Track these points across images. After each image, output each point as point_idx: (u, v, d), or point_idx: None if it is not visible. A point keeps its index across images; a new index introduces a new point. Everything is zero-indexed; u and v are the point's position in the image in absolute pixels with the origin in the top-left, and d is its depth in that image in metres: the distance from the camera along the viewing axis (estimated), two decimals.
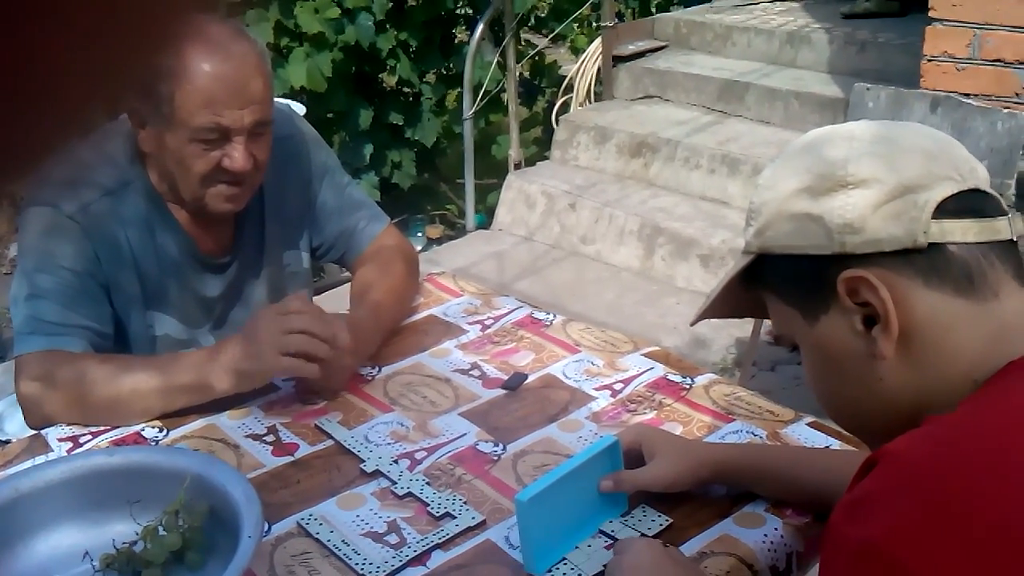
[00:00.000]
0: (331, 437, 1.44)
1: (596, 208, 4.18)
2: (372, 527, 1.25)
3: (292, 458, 1.40)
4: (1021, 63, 3.11)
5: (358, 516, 1.28)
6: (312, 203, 1.81)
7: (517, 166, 4.62)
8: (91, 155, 1.59)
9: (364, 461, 1.38)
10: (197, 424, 1.48)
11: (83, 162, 1.59)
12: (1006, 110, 2.69)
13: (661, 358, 1.65)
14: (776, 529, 1.24)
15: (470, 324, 1.77)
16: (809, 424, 1.45)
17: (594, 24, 6.23)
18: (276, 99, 1.65)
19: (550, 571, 1.17)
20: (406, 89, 5.26)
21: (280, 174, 1.73)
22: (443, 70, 5.37)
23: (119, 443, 1.44)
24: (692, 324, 1.16)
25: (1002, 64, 3.12)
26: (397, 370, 1.63)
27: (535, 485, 1.17)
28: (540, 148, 5.40)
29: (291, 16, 4.61)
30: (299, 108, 3.87)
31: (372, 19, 4.76)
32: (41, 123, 0.29)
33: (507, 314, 1.80)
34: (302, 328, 1.45)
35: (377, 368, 1.62)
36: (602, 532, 1.24)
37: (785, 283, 0.96)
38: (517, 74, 4.86)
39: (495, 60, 4.86)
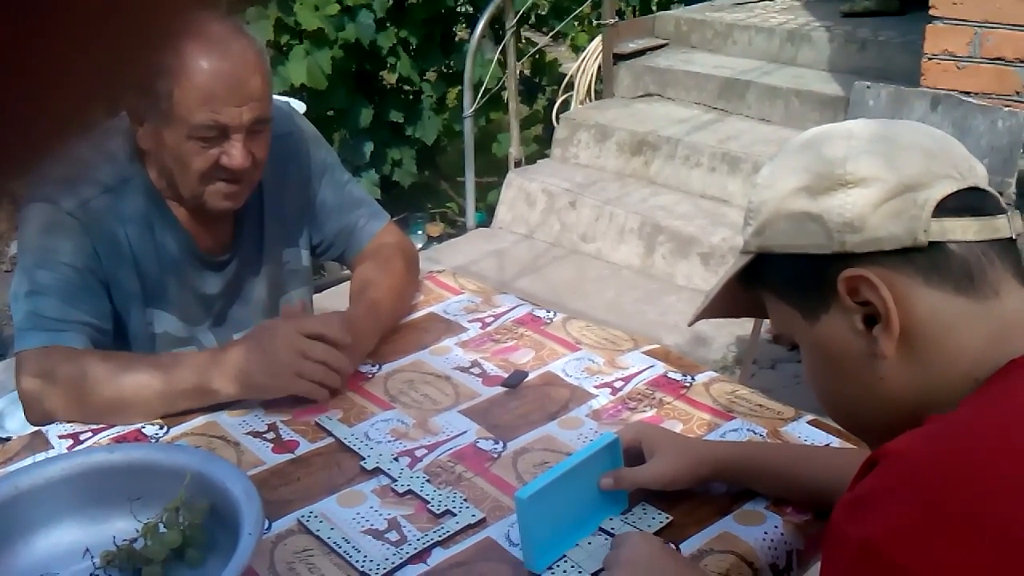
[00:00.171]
0: (331, 434, 1.44)
1: (596, 206, 4.18)
2: (372, 524, 1.25)
3: (292, 455, 1.40)
4: (1021, 61, 3.11)
5: (358, 513, 1.28)
6: (312, 201, 1.81)
7: (517, 164, 4.62)
8: (91, 152, 1.59)
9: (364, 458, 1.38)
10: (198, 421, 1.48)
11: (83, 159, 1.58)
12: (1006, 108, 2.69)
13: (661, 356, 1.65)
14: (776, 527, 1.24)
15: (470, 322, 1.77)
16: (809, 422, 1.45)
17: (595, 22, 6.22)
18: (276, 97, 1.65)
19: (550, 568, 1.17)
20: (406, 87, 5.25)
21: (280, 172, 1.73)
22: (443, 68, 5.37)
23: (120, 440, 1.44)
24: (690, 324, 1.16)
25: (1002, 62, 3.12)
26: (397, 368, 1.63)
27: (535, 483, 1.17)
28: (540, 146, 5.40)
29: (291, 13, 4.61)
30: (299, 106, 3.87)
31: (372, 16, 4.76)
32: (41, 121, 0.29)
33: (507, 312, 1.80)
34: (322, 359, 1.48)
35: (377, 366, 1.63)
36: (602, 530, 1.24)
37: (784, 282, 0.96)
38: (517, 72, 4.86)
39: (495, 58, 4.86)
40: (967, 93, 2.94)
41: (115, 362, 1.50)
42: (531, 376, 1.59)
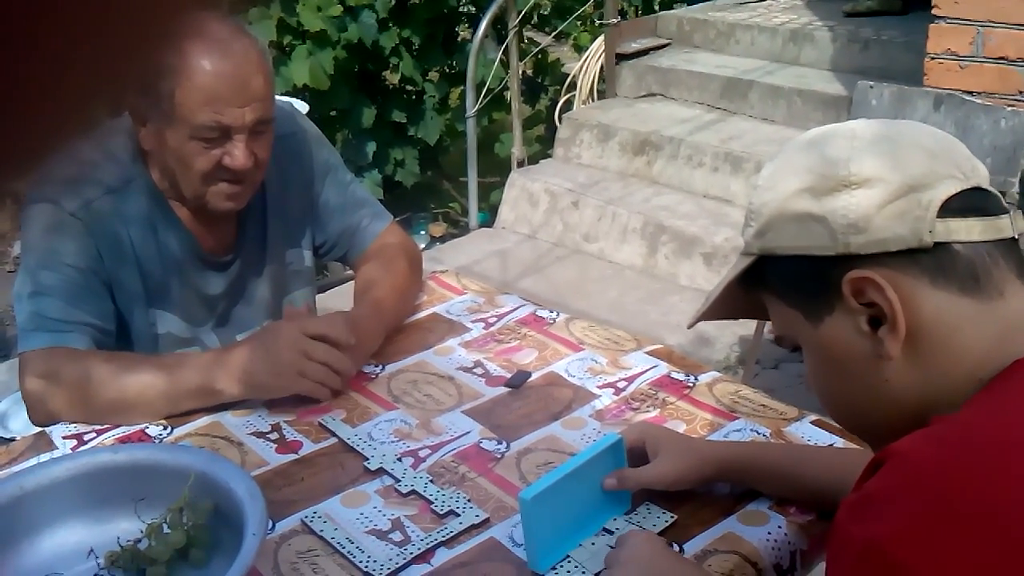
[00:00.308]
0: (335, 435, 1.44)
1: (599, 206, 4.18)
2: (376, 525, 1.26)
3: (296, 456, 1.40)
4: None
5: (362, 514, 1.28)
6: (315, 201, 1.81)
7: (520, 164, 4.62)
8: (93, 152, 1.59)
9: (368, 459, 1.38)
10: (201, 422, 1.48)
11: (85, 159, 1.59)
12: (1009, 108, 2.69)
13: (664, 356, 1.65)
14: (780, 527, 1.24)
15: (473, 322, 1.77)
16: (813, 422, 1.45)
17: (597, 22, 6.22)
18: (278, 97, 1.65)
19: (554, 569, 1.17)
20: (409, 87, 5.26)
21: (282, 172, 1.73)
22: (446, 68, 5.37)
23: (124, 440, 1.44)
24: (690, 326, 1.15)
25: (1005, 62, 3.12)
26: (401, 368, 1.63)
27: (539, 483, 1.17)
28: (543, 146, 5.40)
29: (294, 14, 4.61)
30: (302, 106, 3.87)
31: (375, 17, 4.76)
32: (42, 121, 0.29)
33: (510, 312, 1.80)
34: (324, 360, 1.49)
35: (381, 366, 1.63)
36: (606, 530, 1.24)
37: (787, 284, 0.96)
38: (520, 72, 4.86)
39: (498, 58, 4.86)
40: (970, 93, 2.94)
41: (119, 363, 1.50)
42: (534, 376, 1.59)
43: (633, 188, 4.31)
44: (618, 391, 1.55)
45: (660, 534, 1.22)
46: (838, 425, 1.08)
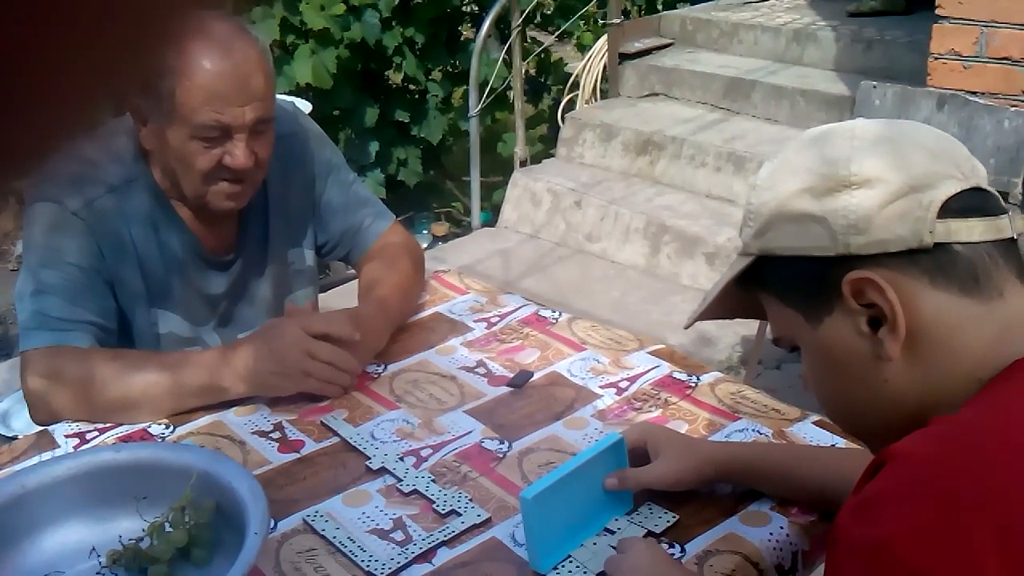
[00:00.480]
0: (337, 434, 1.45)
1: (602, 206, 4.18)
2: (378, 524, 1.26)
3: (298, 455, 1.41)
4: None
5: (364, 513, 1.28)
6: (317, 200, 1.81)
7: (523, 163, 4.62)
8: (95, 152, 1.60)
9: (370, 458, 1.38)
10: (203, 420, 1.49)
11: (87, 159, 1.59)
12: (1013, 108, 2.68)
13: (666, 356, 1.65)
14: (782, 527, 1.24)
15: (476, 322, 1.77)
16: (815, 422, 1.45)
17: (600, 21, 6.24)
18: (281, 96, 1.65)
19: (555, 569, 1.17)
20: (412, 86, 5.26)
21: (284, 172, 1.73)
22: (449, 67, 5.37)
23: (126, 439, 1.44)
24: (687, 327, 1.15)
25: (1009, 62, 3.12)
26: (403, 367, 1.63)
27: (540, 483, 1.17)
28: (546, 146, 5.40)
29: (297, 13, 4.61)
30: (304, 105, 3.87)
31: (378, 16, 4.76)
32: (44, 120, 0.29)
33: (513, 312, 1.80)
34: (329, 360, 1.49)
35: (383, 365, 1.63)
36: (607, 530, 1.24)
37: (786, 285, 0.95)
38: (523, 71, 4.86)
39: (501, 57, 4.86)
40: (973, 93, 2.93)
41: (123, 361, 1.50)
42: (536, 376, 1.59)
43: (636, 188, 4.31)
44: (620, 391, 1.55)
45: (662, 534, 1.23)
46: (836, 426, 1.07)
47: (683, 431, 1.41)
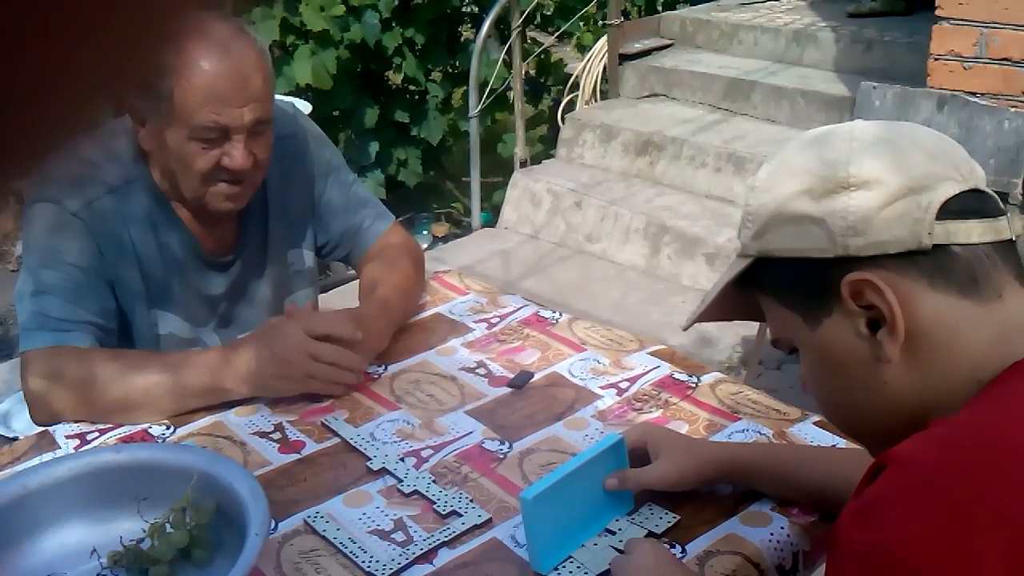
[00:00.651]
0: (337, 435, 1.44)
1: (602, 206, 4.18)
2: (379, 525, 1.26)
3: (299, 456, 1.41)
4: None
5: (364, 514, 1.28)
6: (317, 201, 1.81)
7: (523, 164, 4.62)
8: (95, 152, 1.60)
9: (370, 459, 1.38)
10: (204, 421, 1.49)
11: (87, 159, 1.59)
12: (1013, 109, 2.68)
13: (667, 357, 1.65)
14: (782, 528, 1.24)
15: (476, 322, 1.77)
16: (816, 423, 1.45)
17: (600, 22, 6.24)
18: (281, 97, 1.65)
19: (556, 569, 1.17)
20: (412, 87, 5.26)
21: (284, 172, 1.73)
22: (449, 68, 5.38)
23: (126, 440, 1.44)
24: (685, 328, 1.15)
25: (1009, 63, 3.12)
26: (403, 368, 1.63)
27: (540, 483, 1.17)
28: (546, 146, 5.41)
29: (296, 13, 4.61)
30: (304, 106, 3.87)
31: (378, 17, 4.76)
32: (43, 120, 0.29)
33: (513, 312, 1.80)
34: (332, 360, 1.50)
35: (383, 366, 1.63)
36: (608, 530, 1.24)
37: (785, 287, 0.95)
38: (523, 72, 4.86)
39: (501, 58, 4.86)
40: (973, 94, 2.93)
41: (123, 361, 1.50)
42: (537, 377, 1.59)
43: (636, 188, 4.31)
44: (620, 392, 1.55)
45: (662, 535, 1.23)
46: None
47: (684, 432, 1.41)
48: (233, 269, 1.72)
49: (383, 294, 1.70)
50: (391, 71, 5.18)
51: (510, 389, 1.56)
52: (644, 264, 4.01)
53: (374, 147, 4.93)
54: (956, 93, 2.82)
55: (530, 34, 5.87)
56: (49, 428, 1.48)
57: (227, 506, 1.17)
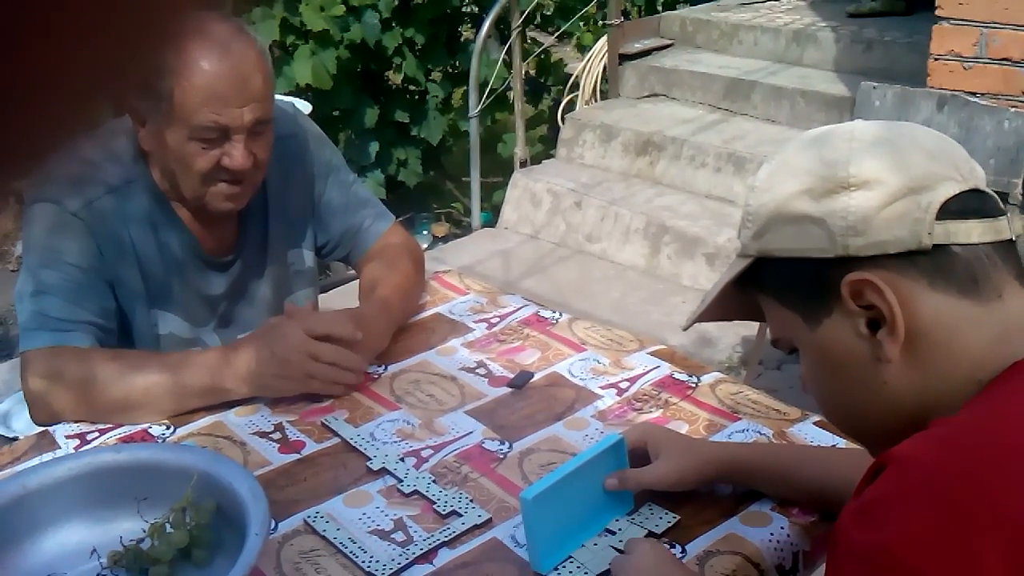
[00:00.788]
0: (337, 435, 1.44)
1: (602, 206, 4.18)
2: (379, 525, 1.26)
3: (299, 456, 1.41)
4: None
5: (364, 514, 1.28)
6: (317, 201, 1.81)
7: (523, 164, 4.62)
8: (95, 152, 1.60)
9: (370, 459, 1.38)
10: (204, 421, 1.49)
11: (87, 159, 1.59)
12: (1013, 109, 2.68)
13: (667, 357, 1.65)
14: (782, 528, 1.24)
15: (476, 322, 1.77)
16: (816, 423, 1.45)
17: (600, 22, 6.24)
18: (281, 97, 1.65)
19: (556, 569, 1.17)
20: (412, 87, 5.26)
21: (284, 172, 1.73)
22: (449, 68, 5.38)
23: (126, 440, 1.44)
24: (685, 328, 1.15)
25: (1009, 63, 3.12)
26: (403, 368, 1.63)
27: (540, 483, 1.17)
28: (546, 146, 5.41)
29: (296, 13, 4.61)
30: (304, 106, 3.87)
31: (378, 17, 4.76)
32: (44, 120, 0.29)
33: (513, 312, 1.80)
34: (332, 360, 1.50)
35: (383, 366, 1.63)
36: (608, 530, 1.24)
37: (785, 287, 0.95)
38: (523, 72, 4.86)
39: (501, 58, 4.86)
40: (973, 94, 2.93)
41: (123, 361, 1.50)
42: (537, 377, 1.59)
43: (636, 188, 4.31)
44: (620, 392, 1.55)
45: (662, 535, 1.23)
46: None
47: (684, 432, 1.41)
48: (233, 269, 1.72)
49: (383, 294, 1.70)
50: (391, 71, 5.19)
51: (510, 389, 1.56)
52: (644, 264, 4.01)
53: (374, 147, 4.93)
54: (956, 93, 2.82)
55: (530, 34, 5.87)
56: (49, 428, 1.48)
57: (227, 506, 1.17)
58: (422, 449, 1.41)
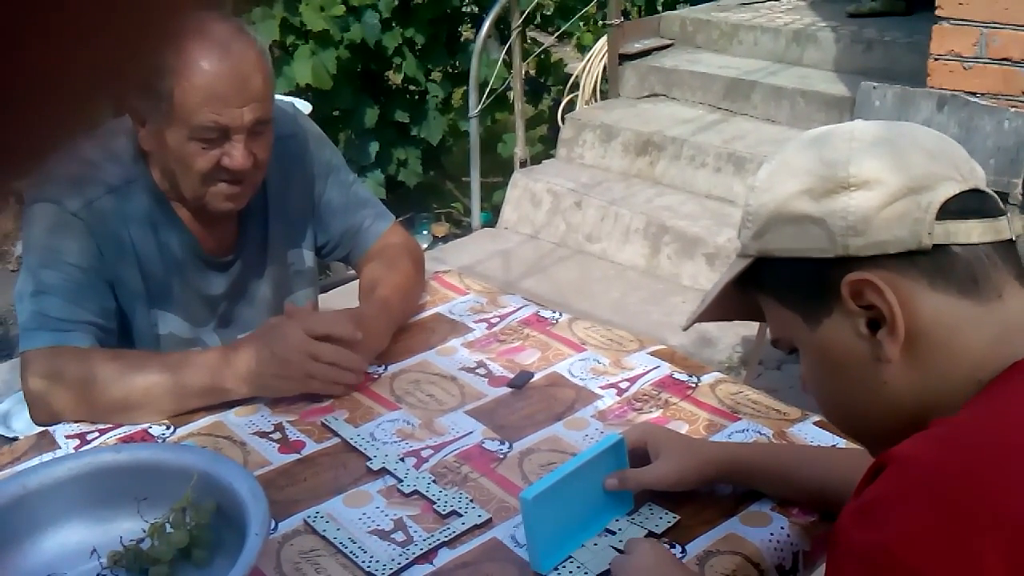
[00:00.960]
0: (337, 435, 1.45)
1: (602, 206, 4.18)
2: (379, 525, 1.26)
3: (299, 456, 1.41)
4: None
5: (364, 514, 1.28)
6: (317, 201, 1.81)
7: (523, 164, 4.62)
8: (95, 152, 1.60)
9: (370, 459, 1.38)
10: (204, 421, 1.49)
11: (87, 159, 1.59)
12: (1013, 109, 2.68)
13: (667, 357, 1.65)
14: (782, 528, 1.24)
15: (476, 322, 1.77)
16: (816, 423, 1.45)
17: (600, 22, 6.24)
18: (281, 97, 1.64)
19: (556, 569, 1.17)
20: (412, 87, 5.26)
21: (284, 172, 1.73)
22: (449, 68, 5.38)
23: (126, 440, 1.44)
24: (685, 328, 1.15)
25: (1009, 63, 3.12)
26: (403, 368, 1.63)
27: (540, 483, 1.17)
28: (546, 146, 5.41)
29: (296, 13, 4.61)
30: (304, 106, 3.87)
31: (378, 17, 4.76)
32: (44, 120, 0.29)
33: (513, 312, 1.80)
34: (332, 360, 1.50)
35: (383, 366, 1.63)
36: (608, 530, 1.24)
37: (785, 287, 0.95)
38: (523, 72, 4.86)
39: (501, 58, 4.86)
40: (973, 94, 2.93)
41: (123, 361, 1.50)
42: (537, 377, 1.59)
43: (636, 188, 4.31)
44: (620, 392, 1.55)
45: (662, 535, 1.23)
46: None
47: (684, 432, 1.41)
48: (233, 269, 1.72)
49: (383, 294, 1.70)
50: (391, 71, 5.19)
51: (510, 389, 1.56)
52: (644, 264, 4.01)
53: (374, 147, 4.93)
54: (956, 93, 2.82)
55: (530, 34, 5.87)
56: (49, 428, 1.48)
57: (227, 506, 1.17)
58: (422, 449, 1.41)
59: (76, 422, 1.48)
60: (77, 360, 1.49)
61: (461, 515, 1.26)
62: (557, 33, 5.74)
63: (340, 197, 1.83)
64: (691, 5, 5.79)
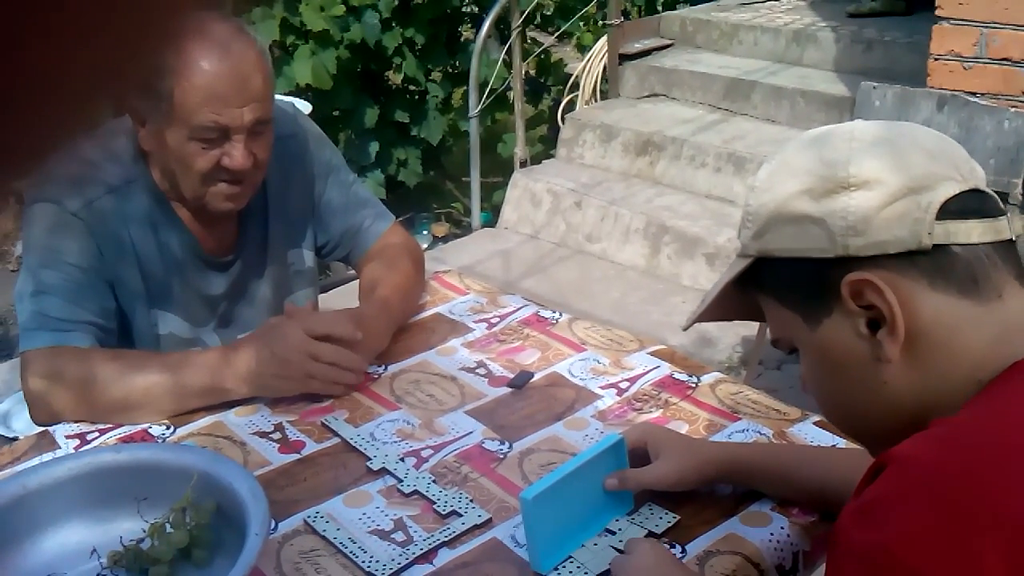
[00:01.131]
0: (337, 435, 1.45)
1: (602, 206, 4.18)
2: (379, 525, 1.26)
3: (299, 456, 1.41)
4: None
5: (364, 514, 1.28)
6: (317, 201, 1.81)
7: (523, 164, 4.62)
8: (95, 152, 1.60)
9: (370, 459, 1.38)
10: (204, 421, 1.49)
11: (87, 159, 1.59)
12: (1013, 109, 2.68)
13: (667, 357, 1.65)
14: (782, 528, 1.24)
15: (476, 322, 1.77)
16: (816, 423, 1.45)
17: (600, 22, 6.24)
18: (281, 97, 1.65)
19: (556, 569, 1.17)
20: (412, 87, 5.26)
21: (284, 173, 1.73)
22: (449, 68, 5.38)
23: (126, 440, 1.44)
24: (685, 328, 1.15)
25: (1009, 63, 3.12)
26: (403, 368, 1.63)
27: (540, 483, 1.17)
28: (546, 146, 5.41)
29: (296, 14, 4.61)
30: (304, 106, 3.87)
31: (378, 17, 4.76)
32: (44, 120, 0.29)
33: (513, 312, 1.80)
34: (332, 360, 1.50)
35: (383, 366, 1.63)
36: (608, 530, 1.24)
37: (785, 287, 0.95)
38: (523, 72, 4.86)
39: (501, 58, 4.86)
40: (973, 94, 2.93)
41: (123, 361, 1.50)
42: (537, 377, 1.59)
43: (636, 188, 4.31)
44: (620, 392, 1.55)
45: (662, 535, 1.23)
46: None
47: (684, 432, 1.41)
48: (233, 269, 1.72)
49: (383, 294, 1.70)
50: (391, 71, 5.18)
51: (510, 389, 1.56)
52: (644, 264, 4.01)
53: (374, 147, 4.93)
54: (956, 93, 2.82)
55: (530, 34, 5.87)
56: (49, 428, 1.48)
57: (227, 506, 1.17)
58: (422, 449, 1.41)
59: (76, 422, 1.48)
60: (77, 360, 1.49)
61: (461, 515, 1.26)
62: (557, 33, 5.74)
63: (340, 197, 1.83)
64: (691, 5, 5.79)
